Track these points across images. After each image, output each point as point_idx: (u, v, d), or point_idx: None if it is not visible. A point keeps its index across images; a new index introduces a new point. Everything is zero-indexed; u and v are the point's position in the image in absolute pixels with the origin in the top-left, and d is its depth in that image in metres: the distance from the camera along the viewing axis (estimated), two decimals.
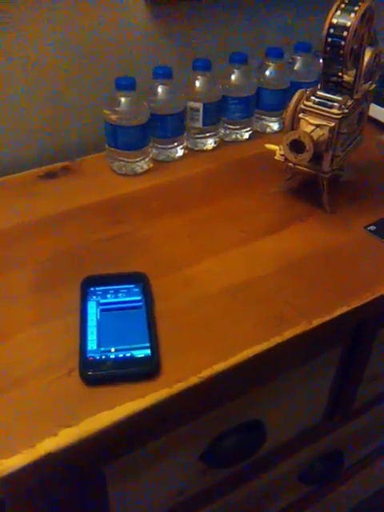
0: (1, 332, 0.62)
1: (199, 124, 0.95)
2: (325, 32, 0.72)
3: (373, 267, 0.74)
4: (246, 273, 0.72)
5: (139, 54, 0.97)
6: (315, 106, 0.77)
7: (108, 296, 0.65)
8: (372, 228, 0.79)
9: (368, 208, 0.84)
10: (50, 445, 0.51)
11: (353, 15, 0.70)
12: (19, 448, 0.50)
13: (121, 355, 0.58)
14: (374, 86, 0.84)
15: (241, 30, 1.07)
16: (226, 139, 1.02)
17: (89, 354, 0.58)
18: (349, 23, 0.70)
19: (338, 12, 0.71)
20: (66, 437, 0.52)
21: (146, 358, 0.58)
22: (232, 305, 0.67)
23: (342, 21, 0.71)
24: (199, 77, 0.92)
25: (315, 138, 0.75)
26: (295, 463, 0.93)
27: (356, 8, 0.71)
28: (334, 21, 0.71)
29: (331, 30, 0.72)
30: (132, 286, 0.67)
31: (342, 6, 0.71)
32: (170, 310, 0.65)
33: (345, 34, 0.71)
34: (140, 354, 0.58)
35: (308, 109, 0.78)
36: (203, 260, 0.74)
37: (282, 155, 0.81)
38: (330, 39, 0.72)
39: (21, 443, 0.50)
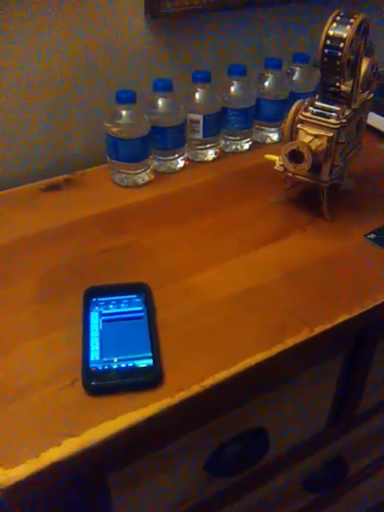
0: (4, 343, 0.63)
1: (199, 135, 0.96)
2: (322, 43, 0.73)
3: (373, 275, 0.74)
4: (248, 281, 0.72)
5: (139, 66, 0.98)
6: (313, 116, 0.78)
7: (110, 307, 0.66)
8: (372, 236, 0.80)
9: (368, 216, 0.85)
10: (53, 455, 0.51)
11: (349, 27, 0.71)
12: (23, 458, 0.50)
13: (123, 365, 0.58)
14: (371, 95, 0.85)
15: (240, 42, 1.08)
16: (227, 150, 1.02)
17: (92, 365, 0.58)
18: (345, 34, 0.71)
19: (334, 24, 0.72)
20: (70, 447, 0.52)
21: (148, 367, 0.58)
22: (234, 313, 0.67)
23: (338, 32, 0.72)
24: (199, 89, 0.93)
25: (314, 148, 0.76)
26: (299, 471, 0.93)
27: (352, 20, 0.72)
28: (331, 32, 0.72)
29: (328, 42, 0.73)
30: (134, 296, 0.67)
31: (338, 18, 0.72)
32: (171, 320, 0.66)
33: (341, 45, 0.72)
34: (142, 363, 0.59)
35: (306, 119, 0.78)
36: (205, 269, 0.74)
37: (281, 165, 0.82)
38: (326, 50, 0.73)
39: (25, 453, 0.51)
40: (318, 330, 0.65)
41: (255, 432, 0.74)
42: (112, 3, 0.91)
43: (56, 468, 0.51)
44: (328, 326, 0.66)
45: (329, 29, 0.72)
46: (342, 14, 0.73)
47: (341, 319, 0.67)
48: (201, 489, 0.76)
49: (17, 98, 0.90)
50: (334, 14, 0.73)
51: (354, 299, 0.70)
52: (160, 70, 1.00)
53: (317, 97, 0.80)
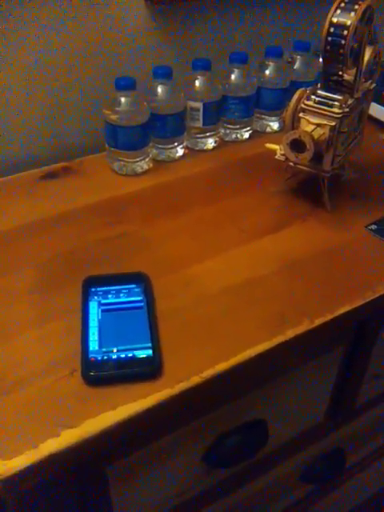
0: (2, 333, 0.62)
1: (199, 124, 0.95)
2: (325, 31, 0.72)
3: (374, 266, 0.74)
4: (248, 272, 0.72)
5: (139, 53, 0.97)
6: (316, 105, 0.77)
7: (109, 296, 0.65)
8: (373, 227, 0.79)
9: (369, 207, 0.84)
10: (52, 446, 0.51)
11: (353, 14, 0.70)
12: (22, 449, 0.50)
13: (123, 355, 0.58)
14: (374, 84, 0.84)
15: (240, 30, 1.07)
16: (226, 139, 1.01)
17: (91, 355, 0.58)
18: (349, 22, 0.70)
19: (338, 11, 0.71)
20: (69, 438, 0.51)
21: (147, 358, 0.58)
22: (234, 304, 0.67)
23: (342, 20, 0.71)
24: (199, 76, 0.92)
25: (316, 137, 0.75)
26: (297, 463, 0.92)
27: (356, 7, 0.70)
28: (335, 20, 0.71)
29: (331, 29, 0.72)
30: (133, 286, 0.66)
31: (342, 4, 0.71)
32: (171, 310, 0.65)
33: (345, 32, 0.71)
34: (142, 354, 0.58)
35: (308, 108, 0.77)
36: (205, 259, 0.74)
37: (282, 155, 0.81)
38: (330, 38, 0.72)
39: (23, 444, 0.50)
40: (318, 321, 0.65)
41: (254, 423, 0.74)
42: None
43: (54, 459, 0.51)
44: (328, 317, 0.65)
45: (333, 16, 0.71)
46: (346, 0, 0.71)
47: (341, 310, 0.66)
48: (199, 480, 0.76)
49: (14, 85, 0.89)
50: (338, 1, 0.71)
51: (354, 290, 0.69)
52: (160, 57, 0.99)
53: (319, 85, 0.79)
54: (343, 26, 0.71)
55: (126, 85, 0.85)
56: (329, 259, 0.75)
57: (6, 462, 0.49)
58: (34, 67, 0.89)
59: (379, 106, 1.04)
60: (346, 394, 0.86)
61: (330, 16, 0.71)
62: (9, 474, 0.48)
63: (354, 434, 0.99)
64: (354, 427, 0.96)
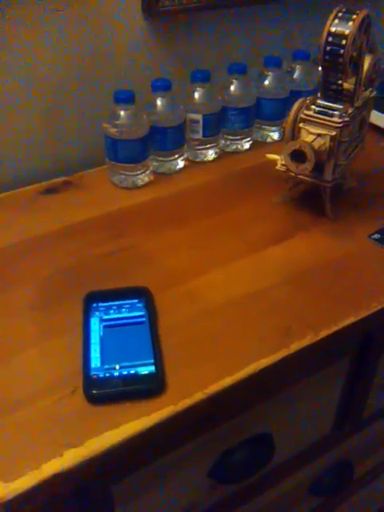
0: (3, 351, 0.61)
1: (199, 135, 0.95)
2: (323, 40, 0.72)
3: (379, 276, 0.73)
4: (251, 284, 0.71)
5: (138, 66, 0.97)
6: (316, 114, 0.77)
7: (111, 312, 0.64)
8: (376, 236, 0.79)
9: (372, 216, 0.83)
10: (55, 466, 0.50)
11: (351, 23, 0.70)
12: (24, 470, 0.49)
13: (125, 372, 0.57)
14: (374, 93, 0.84)
15: (239, 40, 1.07)
16: (227, 150, 1.01)
17: (93, 372, 0.57)
18: (347, 31, 0.70)
19: (336, 20, 0.71)
20: (72, 457, 0.51)
21: (150, 374, 0.57)
22: (237, 317, 0.66)
23: (340, 29, 0.71)
24: (198, 88, 0.92)
25: (316, 147, 0.75)
26: (305, 475, 0.91)
27: (354, 16, 0.70)
28: (333, 29, 0.71)
29: (330, 39, 0.71)
30: (135, 300, 0.66)
31: (340, 14, 0.71)
32: (174, 324, 0.64)
33: (343, 42, 0.70)
34: (144, 370, 0.57)
35: (308, 118, 0.77)
36: (207, 272, 0.73)
37: (283, 165, 0.80)
38: (328, 48, 0.72)
39: (26, 465, 0.50)
40: (323, 333, 0.64)
41: (260, 437, 0.73)
42: (109, 2, 0.90)
43: (58, 480, 0.50)
44: (333, 329, 0.65)
45: (331, 26, 0.71)
46: (343, 10, 0.71)
47: (347, 322, 0.66)
48: (206, 496, 0.75)
49: (13, 99, 0.89)
50: (335, 11, 0.71)
51: (359, 301, 0.68)
52: (159, 69, 0.99)
53: (319, 95, 0.78)
54: (341, 36, 0.71)
55: (125, 98, 0.84)
56: (332, 270, 0.74)
57: (8, 484, 0.48)
58: (32, 81, 0.89)
59: (380, 114, 1.04)
60: (352, 405, 0.85)
61: (328, 26, 0.71)
62: (11, 496, 0.48)
63: (361, 446, 0.98)
64: (362, 439, 0.95)
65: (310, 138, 0.76)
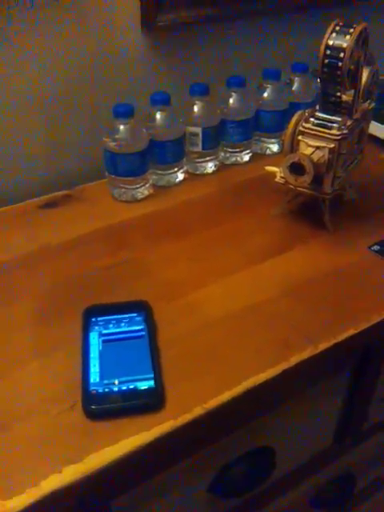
0: (1, 366, 0.61)
1: (199, 148, 0.95)
2: (321, 54, 0.72)
3: (378, 288, 0.73)
4: (250, 297, 0.71)
5: (136, 80, 0.98)
6: (314, 127, 0.77)
7: (110, 326, 0.64)
8: (376, 248, 0.79)
9: (371, 227, 0.83)
10: (54, 482, 0.50)
11: (348, 37, 0.70)
12: (22, 487, 0.49)
13: (124, 388, 0.57)
14: (372, 104, 0.84)
15: (237, 53, 1.07)
16: (226, 162, 1.01)
17: (92, 387, 0.57)
18: (345, 45, 0.70)
19: (334, 34, 0.71)
20: (71, 474, 0.50)
21: (149, 389, 0.57)
22: (236, 330, 0.66)
23: (338, 42, 0.71)
24: (197, 101, 0.92)
25: (315, 159, 0.75)
26: (306, 488, 0.91)
27: (351, 30, 0.71)
28: (330, 42, 0.71)
29: (328, 52, 0.72)
30: (134, 314, 0.66)
31: (337, 28, 0.71)
32: (173, 338, 0.64)
33: (341, 55, 0.71)
34: (144, 385, 0.57)
35: (307, 131, 0.77)
36: (206, 285, 0.73)
37: (282, 177, 0.81)
38: (327, 60, 0.72)
39: (24, 482, 0.49)
40: (322, 346, 0.64)
41: (261, 451, 0.73)
42: (108, 17, 0.90)
43: (57, 496, 0.50)
44: (333, 341, 0.64)
45: (328, 39, 0.71)
46: (341, 23, 0.72)
47: (346, 334, 0.65)
48: (206, 510, 0.74)
49: (12, 113, 0.89)
50: (333, 24, 0.72)
51: (359, 313, 0.68)
52: (157, 83, 0.99)
53: (317, 107, 0.79)
54: (339, 49, 0.71)
55: (124, 112, 0.85)
56: (332, 282, 0.74)
57: (6, 501, 0.48)
58: (31, 95, 0.89)
59: (380, 125, 1.04)
60: (353, 418, 0.84)
61: (325, 39, 0.72)
62: None
63: (362, 458, 0.97)
64: (363, 451, 0.95)
65: (308, 151, 0.76)
